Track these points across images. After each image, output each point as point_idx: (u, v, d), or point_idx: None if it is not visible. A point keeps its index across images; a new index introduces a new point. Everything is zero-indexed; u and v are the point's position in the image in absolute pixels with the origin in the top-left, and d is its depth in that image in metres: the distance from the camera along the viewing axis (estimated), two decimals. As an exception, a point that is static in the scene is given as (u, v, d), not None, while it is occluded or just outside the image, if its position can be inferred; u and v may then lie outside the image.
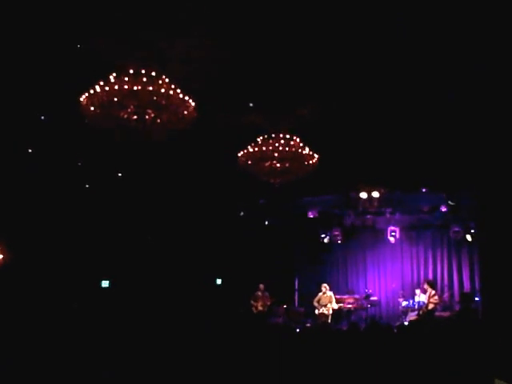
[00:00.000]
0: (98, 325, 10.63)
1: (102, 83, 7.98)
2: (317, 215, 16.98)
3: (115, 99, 7.89)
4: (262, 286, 16.06)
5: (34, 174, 12.43)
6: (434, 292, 15.00)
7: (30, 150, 11.86)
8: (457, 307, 15.41)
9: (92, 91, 8.03)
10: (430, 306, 14.75)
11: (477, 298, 15.20)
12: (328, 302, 15.50)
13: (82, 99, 8.22)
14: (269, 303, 15.89)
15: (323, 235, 17.53)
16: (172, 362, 6.90)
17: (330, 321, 15.18)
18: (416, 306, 15.06)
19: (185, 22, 7.63)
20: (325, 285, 15.83)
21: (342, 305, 15.96)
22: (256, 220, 17.21)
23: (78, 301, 13.06)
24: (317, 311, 15.47)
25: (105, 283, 14.88)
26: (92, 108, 8.14)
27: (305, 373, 6.29)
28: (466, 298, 15.48)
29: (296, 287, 17.98)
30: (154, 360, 7.01)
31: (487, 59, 8.52)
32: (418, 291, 15.48)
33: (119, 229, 14.62)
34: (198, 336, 8.49)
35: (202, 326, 9.83)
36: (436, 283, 16.48)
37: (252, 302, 15.93)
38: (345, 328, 11.11)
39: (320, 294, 15.67)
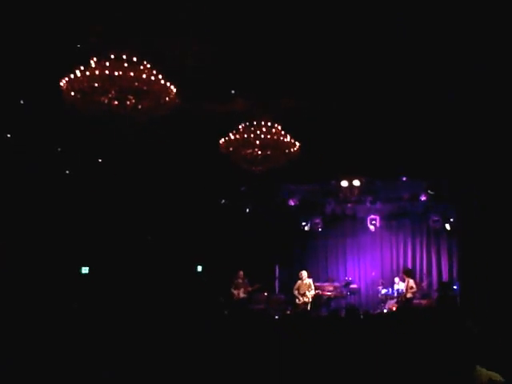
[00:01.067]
0: (79, 311, 10.59)
1: (82, 68, 7.88)
2: (298, 203, 17.02)
3: (96, 84, 7.80)
4: (241, 273, 15.99)
5: (12, 159, 12.28)
6: (412, 281, 15.16)
7: (8, 135, 11.70)
8: (435, 295, 15.59)
9: (72, 76, 7.93)
10: (409, 295, 14.91)
11: (455, 287, 15.39)
12: (307, 289, 15.54)
13: (61, 84, 8.12)
14: (250, 290, 15.87)
15: (304, 223, 17.58)
16: (151, 349, 6.89)
17: (309, 308, 15.24)
18: (395, 294, 15.21)
19: (171, 9, 7.58)
20: (303, 272, 15.88)
21: (319, 291, 15.98)
22: (237, 207, 17.20)
23: (61, 287, 12.98)
24: (297, 301, 15.47)
25: (85, 269, 14.78)
26: (72, 93, 8.04)
27: (286, 360, 6.31)
28: (444, 286, 15.66)
29: (277, 275, 18.03)
30: (133, 346, 7.00)
31: (461, 46, 8.57)
32: (397, 279, 15.64)
33: (99, 215, 14.51)
34: (179, 324, 8.47)
35: (183, 314, 9.82)
36: (415, 271, 16.67)
37: (232, 290, 15.88)
38: (324, 315, 11.17)
39: (299, 281, 15.70)
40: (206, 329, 7.94)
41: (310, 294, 15.53)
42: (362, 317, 8.40)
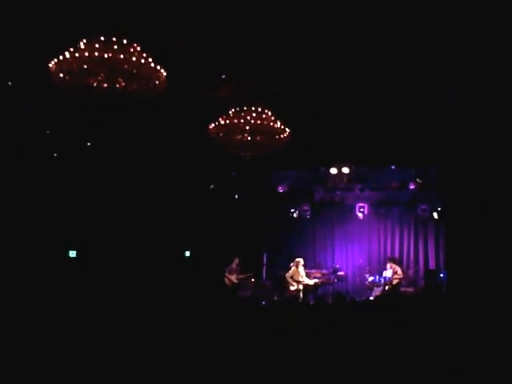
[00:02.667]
0: (66, 296, 10.55)
1: (71, 49, 7.80)
2: (286, 190, 17.03)
3: (85, 66, 7.72)
4: (237, 259, 16.08)
5: None
6: (398, 268, 15.25)
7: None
8: (421, 283, 15.68)
9: (61, 57, 7.84)
10: (395, 282, 15.00)
11: (441, 275, 15.49)
12: (302, 277, 15.55)
13: (50, 65, 8.02)
14: (242, 277, 15.94)
15: (292, 210, 17.57)
16: (137, 336, 6.87)
17: (301, 296, 15.24)
18: (382, 282, 15.29)
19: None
20: (300, 259, 15.78)
21: (315, 282, 15.97)
22: (226, 193, 17.18)
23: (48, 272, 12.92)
24: (292, 287, 15.47)
25: (72, 253, 14.72)
26: (61, 75, 7.95)
27: (274, 348, 6.33)
28: (430, 274, 15.76)
29: (264, 261, 18.05)
30: (120, 333, 6.98)
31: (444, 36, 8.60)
32: (388, 265, 15.69)
33: (86, 199, 14.43)
34: (166, 309, 8.46)
35: (171, 299, 9.81)
36: (402, 259, 16.75)
37: (227, 274, 15.96)
38: (312, 302, 11.21)
39: (294, 268, 15.66)
40: (194, 316, 7.94)
41: (306, 281, 15.56)
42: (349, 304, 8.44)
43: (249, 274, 16.00)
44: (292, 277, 15.53)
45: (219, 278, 15.82)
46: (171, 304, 9.15)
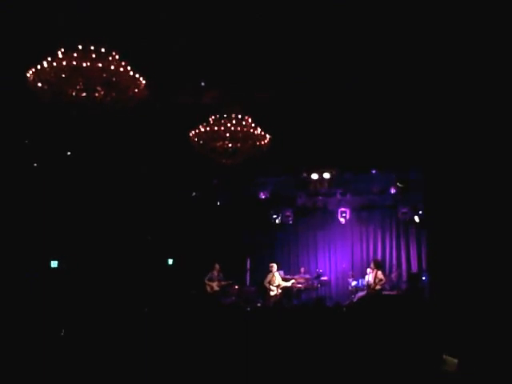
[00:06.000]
0: (48, 305, 10.46)
1: (49, 59, 7.77)
2: (268, 196, 17.08)
3: (63, 75, 7.70)
4: (217, 266, 16.05)
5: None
6: (380, 273, 15.29)
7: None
8: (404, 286, 15.77)
9: (39, 67, 7.81)
10: (377, 287, 15.05)
11: (423, 278, 15.57)
12: (279, 281, 15.69)
13: (28, 75, 7.99)
14: (223, 283, 15.91)
15: (274, 216, 17.63)
16: (122, 344, 6.85)
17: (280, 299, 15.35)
18: (365, 286, 15.34)
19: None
20: (273, 264, 16.01)
21: (292, 283, 16.08)
22: (208, 200, 17.18)
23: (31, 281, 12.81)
24: (272, 293, 15.59)
25: (54, 263, 14.60)
26: (39, 84, 7.92)
27: (256, 353, 6.34)
28: (413, 277, 15.85)
29: (248, 267, 18.05)
30: (103, 340, 6.95)
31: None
32: (368, 270, 15.74)
33: (68, 208, 14.34)
34: (150, 317, 8.45)
35: (154, 307, 9.79)
36: (384, 263, 16.84)
37: (207, 281, 15.90)
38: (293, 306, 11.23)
39: (270, 274, 15.81)
40: (177, 323, 7.93)
41: (283, 284, 15.67)
42: (329, 307, 8.49)
43: (229, 282, 15.97)
44: (269, 282, 15.68)
45: (201, 285, 15.79)
46: (154, 312, 9.14)
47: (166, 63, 9.22)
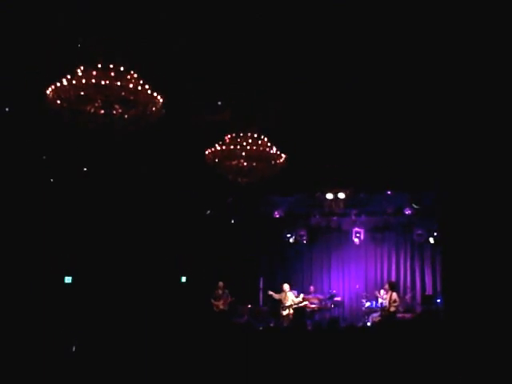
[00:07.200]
0: (61, 321, 10.49)
1: (69, 76, 7.85)
2: (283, 215, 17.07)
3: (82, 93, 7.76)
4: (221, 283, 15.92)
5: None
6: (395, 294, 15.15)
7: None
8: (419, 309, 15.63)
9: (58, 84, 7.88)
10: (392, 309, 14.91)
11: (438, 300, 15.42)
12: (291, 301, 15.61)
13: (47, 92, 8.07)
14: (229, 301, 15.82)
15: (289, 235, 17.61)
16: (135, 361, 6.84)
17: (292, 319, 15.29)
18: (379, 307, 15.22)
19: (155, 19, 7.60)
20: (284, 284, 16.02)
21: (305, 304, 16.02)
22: (222, 219, 17.19)
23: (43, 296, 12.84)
24: (284, 312, 15.53)
25: (68, 279, 14.64)
26: (58, 101, 7.99)
27: (271, 372, 6.30)
28: (427, 299, 15.71)
29: (261, 286, 18.00)
30: (116, 358, 6.94)
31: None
32: (382, 292, 15.63)
33: (83, 225, 14.40)
34: (163, 334, 8.43)
35: (167, 324, 9.77)
36: (399, 285, 16.70)
37: (213, 301, 15.79)
38: (309, 328, 11.16)
39: (282, 293, 15.76)
40: (187, 341, 7.91)
41: (296, 301, 15.60)
42: (343, 328, 8.43)
43: (232, 299, 15.85)
44: (281, 302, 15.65)
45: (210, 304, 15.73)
46: (166, 329, 9.12)
47: (184, 82, 9.28)
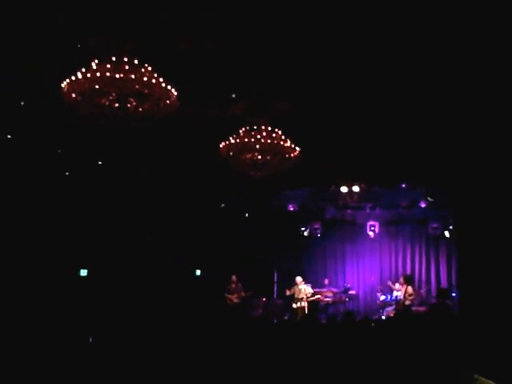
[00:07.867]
0: (77, 315, 10.56)
1: (83, 70, 7.87)
2: (297, 208, 17.05)
3: (96, 86, 7.79)
4: (234, 277, 15.95)
5: (12, 160, 12.25)
6: (410, 288, 15.10)
7: (8, 136, 11.69)
8: (433, 302, 15.55)
9: (73, 78, 7.91)
10: (407, 302, 14.87)
11: (453, 294, 15.36)
12: (304, 294, 15.59)
13: (63, 85, 8.10)
14: (243, 295, 15.83)
15: (303, 228, 17.61)
16: (150, 355, 6.87)
17: (306, 312, 15.28)
18: (394, 300, 15.18)
19: (171, 12, 7.59)
20: (297, 277, 16.00)
21: (319, 297, 16.03)
22: (236, 212, 17.20)
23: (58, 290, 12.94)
24: (295, 305, 15.54)
25: (83, 272, 14.74)
26: (73, 95, 8.03)
27: (285, 365, 6.30)
28: (442, 293, 15.63)
29: (275, 280, 18.02)
30: (130, 349, 6.98)
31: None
32: (397, 285, 15.58)
33: (99, 218, 14.48)
34: (178, 328, 8.45)
35: (180, 318, 9.80)
36: (414, 278, 16.65)
37: (226, 294, 15.83)
38: (323, 321, 11.14)
39: (295, 287, 15.75)
40: (201, 334, 7.92)
41: (311, 298, 15.59)
42: (358, 321, 8.40)
43: (248, 293, 15.87)
44: (293, 295, 15.64)
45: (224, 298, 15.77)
46: (180, 323, 9.14)
47: (198, 75, 9.28)
